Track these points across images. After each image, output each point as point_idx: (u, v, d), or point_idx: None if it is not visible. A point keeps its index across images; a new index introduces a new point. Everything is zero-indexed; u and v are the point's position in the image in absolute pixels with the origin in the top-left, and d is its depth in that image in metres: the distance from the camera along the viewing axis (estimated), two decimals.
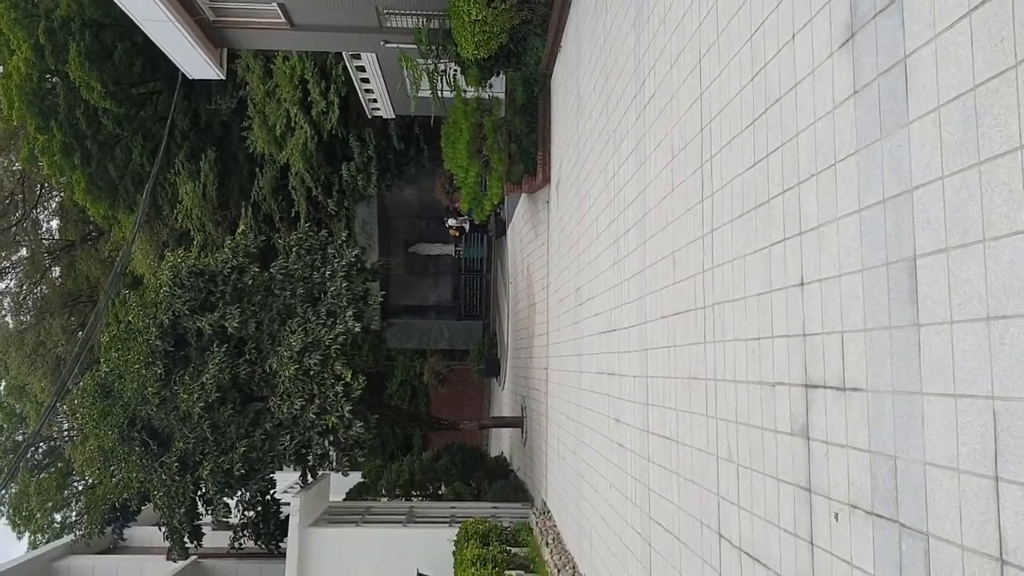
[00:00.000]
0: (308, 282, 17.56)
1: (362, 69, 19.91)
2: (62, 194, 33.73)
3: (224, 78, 18.20)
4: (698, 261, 5.44)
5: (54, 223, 38.88)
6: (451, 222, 25.41)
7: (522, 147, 16.17)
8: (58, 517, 45.17)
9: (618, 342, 8.42)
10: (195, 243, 23.97)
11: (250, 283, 17.53)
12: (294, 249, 18.01)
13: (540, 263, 17.09)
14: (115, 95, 24.34)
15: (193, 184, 23.87)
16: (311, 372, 16.04)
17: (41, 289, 37.69)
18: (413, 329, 28.58)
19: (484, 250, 28.30)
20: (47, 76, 23.26)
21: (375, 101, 21.95)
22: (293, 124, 23.28)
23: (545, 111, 15.94)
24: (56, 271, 41.46)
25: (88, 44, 21.92)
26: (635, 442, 7.49)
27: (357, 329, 16.36)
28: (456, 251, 28.47)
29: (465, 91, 16.61)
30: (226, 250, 17.74)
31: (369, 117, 23.22)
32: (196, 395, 16.04)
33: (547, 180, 15.83)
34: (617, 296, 8.48)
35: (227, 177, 26.51)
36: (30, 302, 36.01)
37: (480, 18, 12.63)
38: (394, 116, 22.92)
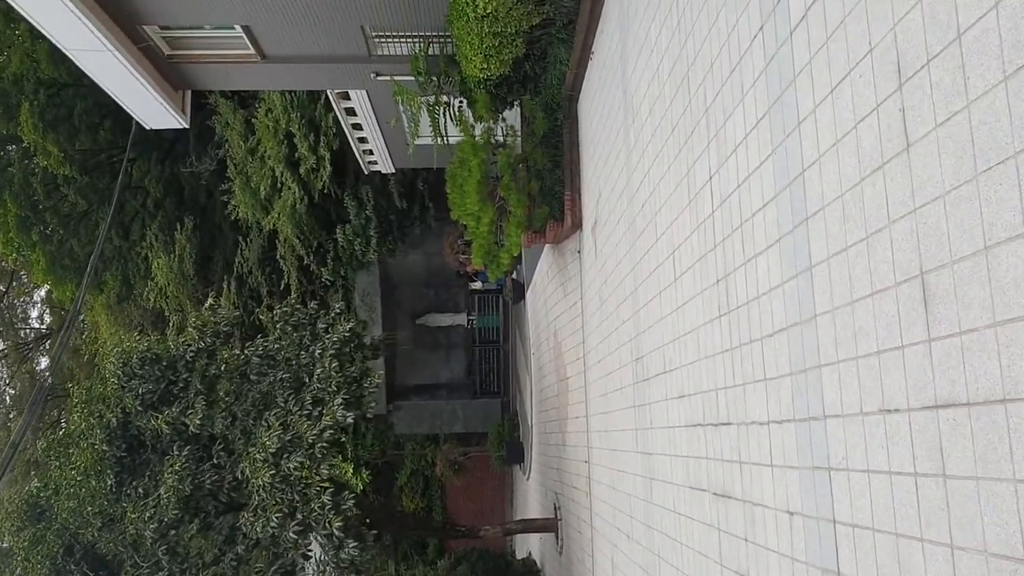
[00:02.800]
0: (293, 365, 14.39)
1: (352, 113, 17.11)
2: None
3: (188, 126, 15.41)
4: None
5: (34, 312, 36.11)
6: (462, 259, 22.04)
7: (545, 186, 13.14)
8: None
9: (738, 445, 5.14)
10: (171, 325, 20.90)
11: (223, 368, 14.38)
12: (278, 326, 14.90)
13: (571, 328, 13.89)
14: (80, 163, 21.67)
15: (167, 258, 20.93)
16: (291, 478, 12.72)
17: (21, 383, 34.63)
18: (423, 411, 25.21)
19: (500, 318, 25.12)
20: None
21: (371, 153, 19.13)
22: (279, 184, 20.45)
23: (572, 141, 12.96)
24: (43, 363, 38.55)
25: (43, 103, 19.31)
26: None
27: (349, 421, 13.09)
28: (469, 320, 25.29)
29: (473, 126, 13.66)
30: (191, 330, 14.63)
31: (366, 173, 20.39)
32: (148, 513, 12.73)
33: (577, 225, 12.75)
34: (730, 367, 5.25)
35: (211, 250, 23.63)
36: (6, 398, 32.91)
37: (490, 12, 9.72)
38: (394, 171, 20.08)
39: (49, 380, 22.30)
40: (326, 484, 14.07)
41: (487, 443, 24.52)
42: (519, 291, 21.42)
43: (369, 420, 22.92)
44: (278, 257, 21.35)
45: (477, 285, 24.58)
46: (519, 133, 13.53)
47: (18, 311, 35.87)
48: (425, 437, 26.08)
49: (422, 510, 26.67)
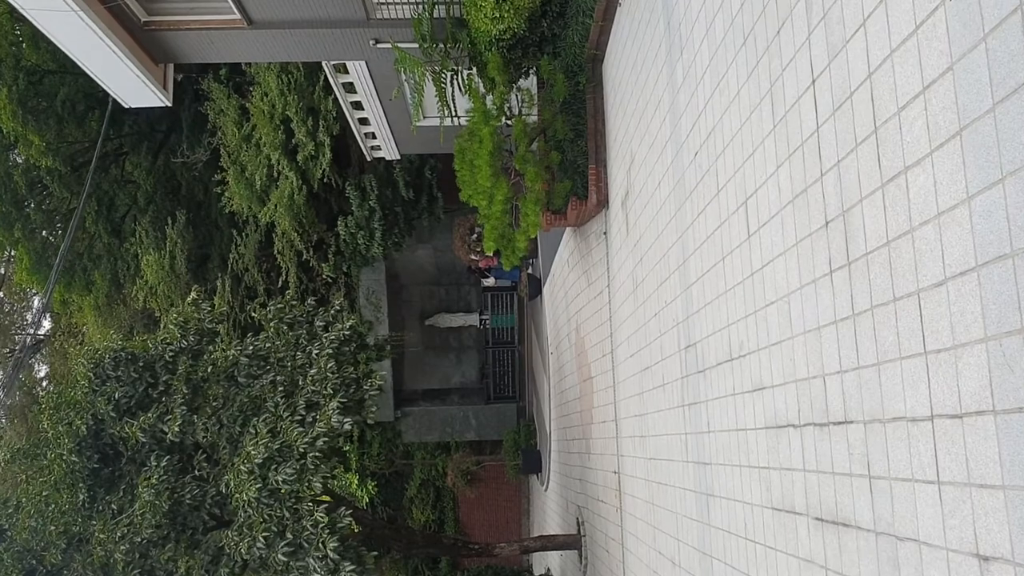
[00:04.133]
0: (287, 366, 12.95)
1: (352, 89, 15.64)
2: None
3: (170, 103, 13.98)
4: None
5: (31, 317, 34.80)
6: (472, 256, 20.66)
7: (566, 159, 11.64)
8: None
9: (866, 452, 3.59)
10: (161, 327, 19.49)
11: (209, 370, 12.93)
12: (272, 323, 13.46)
13: (596, 320, 12.36)
14: (68, 156, 20.33)
15: (158, 255, 19.50)
16: (280, 492, 11.23)
17: (19, 391, 33.31)
18: (433, 418, 23.65)
19: (515, 317, 23.54)
20: None
21: (373, 137, 17.67)
22: (276, 173, 19.01)
23: (596, 108, 11.46)
24: (43, 370, 37.30)
25: (22, 90, 17.96)
26: None
27: (347, 427, 11.60)
28: (482, 321, 23.73)
29: (484, 95, 12.15)
30: (171, 327, 13.19)
31: (369, 160, 18.93)
32: (120, 532, 11.25)
33: (603, 202, 11.24)
34: (851, 342, 3.70)
35: (208, 246, 22.21)
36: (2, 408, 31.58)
37: None
38: (399, 157, 18.61)
39: (27, 342, 20.91)
40: (324, 498, 12.63)
41: (502, 451, 22.97)
42: (535, 286, 19.89)
43: (373, 427, 21.42)
44: (275, 252, 19.89)
45: (490, 282, 23.03)
46: (536, 100, 12.01)
47: (15, 316, 34.64)
48: (436, 445, 24.53)
49: (433, 523, 25.14)
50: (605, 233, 11.35)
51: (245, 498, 11.13)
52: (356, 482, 21.27)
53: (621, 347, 10.44)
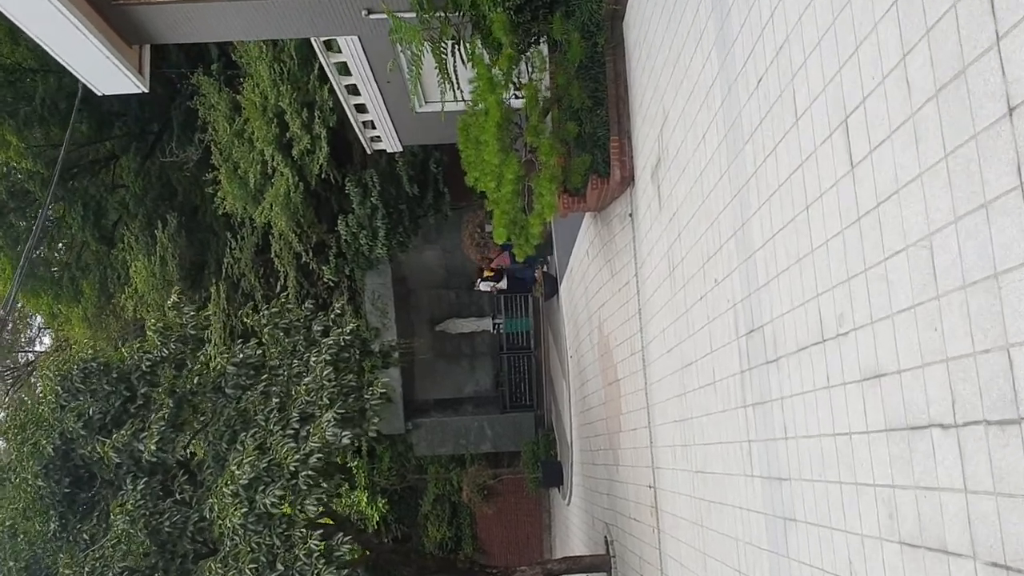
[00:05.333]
0: (281, 375, 11.69)
1: (346, 71, 14.37)
2: None
3: (146, 89, 12.72)
4: None
5: (32, 334, 33.79)
6: (483, 287, 19.77)
7: (584, 131, 10.27)
8: None
9: None
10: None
11: (196, 381, 11.67)
12: (266, 330, 12.22)
13: (623, 316, 10.97)
14: (52, 159, 19.16)
15: (147, 260, 18.27)
16: (272, 516, 9.91)
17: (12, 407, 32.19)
18: (446, 429, 22.26)
19: (531, 321, 22.13)
20: None
21: (373, 127, 16.40)
22: (270, 170, 17.75)
23: (617, 73, 10.09)
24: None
25: None
26: None
27: (345, 440, 10.25)
28: (495, 325, 22.33)
29: (490, 66, 10.80)
30: (151, 334, 11.92)
31: (369, 152, 17.65)
32: (88, 567, 9.95)
33: (628, 179, 9.86)
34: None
35: (204, 252, 20.99)
36: None
37: None
38: (401, 149, 17.32)
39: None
40: (326, 520, 11.35)
41: (520, 463, 21.56)
42: (551, 285, 18.52)
43: (382, 440, 20.07)
44: (273, 256, 18.61)
45: (503, 285, 21.61)
46: (548, 64, 10.65)
47: (16, 335, 33.60)
48: (450, 458, 23.14)
49: (449, 540, 23.72)
50: (631, 214, 9.97)
51: (230, 524, 9.82)
52: (365, 500, 19.94)
53: (654, 343, 9.05)
